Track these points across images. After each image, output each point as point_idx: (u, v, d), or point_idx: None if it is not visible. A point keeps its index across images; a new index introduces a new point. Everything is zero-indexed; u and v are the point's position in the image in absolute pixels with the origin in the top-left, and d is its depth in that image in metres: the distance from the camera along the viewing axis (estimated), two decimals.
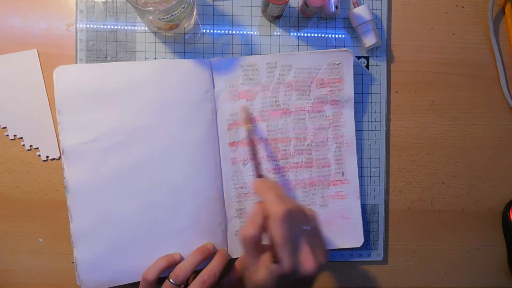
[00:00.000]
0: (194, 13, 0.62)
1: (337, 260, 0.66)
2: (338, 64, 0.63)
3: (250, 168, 0.63)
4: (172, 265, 0.59)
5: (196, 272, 0.59)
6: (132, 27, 0.62)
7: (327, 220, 0.64)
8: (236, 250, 0.63)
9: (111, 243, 0.60)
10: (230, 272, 0.62)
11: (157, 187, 0.60)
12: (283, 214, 0.47)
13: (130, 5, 0.52)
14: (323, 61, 0.62)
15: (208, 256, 0.60)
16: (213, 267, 0.58)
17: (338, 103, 0.63)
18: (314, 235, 0.51)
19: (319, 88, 0.63)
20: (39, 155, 0.62)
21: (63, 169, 0.59)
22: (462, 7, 0.67)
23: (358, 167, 0.65)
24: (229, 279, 0.62)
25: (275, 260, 0.47)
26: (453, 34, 0.67)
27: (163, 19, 0.54)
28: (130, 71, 0.60)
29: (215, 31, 0.63)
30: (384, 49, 0.66)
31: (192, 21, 0.62)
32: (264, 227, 0.49)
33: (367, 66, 0.65)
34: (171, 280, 0.57)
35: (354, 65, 0.63)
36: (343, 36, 0.65)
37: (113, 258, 0.60)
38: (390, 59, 0.66)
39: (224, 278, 0.62)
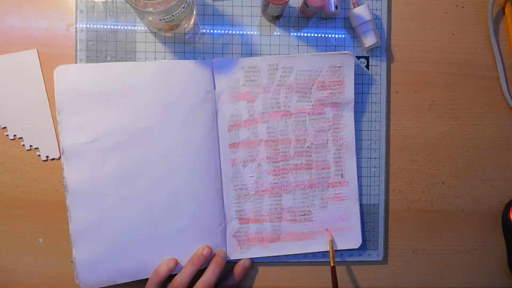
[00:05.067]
0: (194, 13, 0.62)
1: (336, 260, 0.66)
2: (339, 66, 0.62)
3: (250, 170, 0.63)
4: (169, 274, 0.60)
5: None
6: (132, 27, 0.62)
7: (326, 222, 0.64)
8: (235, 252, 0.63)
9: (110, 242, 0.60)
10: (229, 276, 0.62)
11: (156, 188, 0.60)
12: None
13: (130, 6, 0.51)
14: (324, 63, 0.62)
15: (203, 264, 0.60)
16: (208, 277, 0.59)
17: (339, 105, 0.63)
18: None
19: (320, 90, 0.63)
20: (39, 155, 0.62)
21: (63, 169, 0.59)
22: (462, 7, 0.67)
23: (358, 167, 0.65)
24: (229, 283, 0.62)
25: None
26: (453, 34, 0.67)
27: (163, 19, 0.54)
28: (130, 71, 0.60)
29: (215, 31, 0.63)
30: (384, 49, 0.66)
31: (192, 21, 0.62)
32: None
33: (367, 66, 0.65)
34: None
35: (354, 66, 0.63)
36: (343, 36, 0.65)
37: (112, 258, 0.60)
38: (390, 59, 0.66)
39: (224, 281, 0.62)
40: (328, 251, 0.65)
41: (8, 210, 0.62)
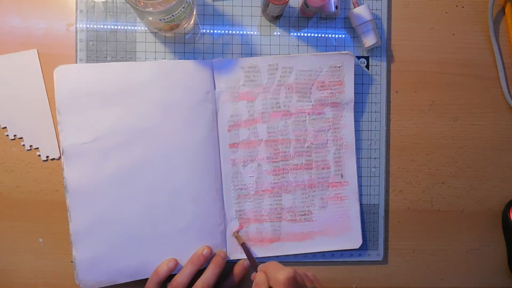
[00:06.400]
0: (194, 13, 0.62)
1: (337, 260, 0.66)
2: (339, 67, 0.63)
3: (250, 170, 0.63)
4: (169, 274, 0.60)
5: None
6: (132, 27, 0.62)
7: (326, 222, 0.64)
8: (235, 252, 0.63)
9: (110, 242, 0.60)
10: (229, 276, 0.62)
11: (156, 188, 0.60)
12: (289, 276, 0.49)
13: (130, 6, 0.51)
14: (324, 63, 0.63)
15: (203, 264, 0.60)
16: (207, 277, 0.59)
17: (338, 105, 0.63)
18: None
19: (320, 90, 0.63)
20: (39, 155, 0.62)
21: (63, 169, 0.59)
22: (462, 7, 0.67)
23: (358, 167, 0.65)
24: (229, 283, 0.62)
25: None
26: (453, 34, 0.67)
27: (163, 19, 0.54)
28: (131, 71, 0.60)
29: (215, 31, 0.63)
30: (384, 49, 0.66)
31: (192, 21, 0.62)
32: None
33: (367, 66, 0.65)
34: None
35: (354, 66, 0.63)
36: (343, 36, 0.65)
37: (112, 258, 0.60)
38: (390, 59, 0.66)
39: (223, 281, 0.62)
40: (328, 251, 0.65)
41: (8, 210, 0.62)
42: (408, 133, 0.67)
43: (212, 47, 0.63)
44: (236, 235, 0.63)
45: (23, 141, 0.62)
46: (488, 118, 0.68)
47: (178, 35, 0.63)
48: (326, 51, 0.65)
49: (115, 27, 0.62)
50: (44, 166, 0.62)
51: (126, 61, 0.62)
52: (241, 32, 0.64)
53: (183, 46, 0.63)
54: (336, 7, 0.62)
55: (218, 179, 0.62)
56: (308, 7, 0.60)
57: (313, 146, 0.64)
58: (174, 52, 0.63)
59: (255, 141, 0.63)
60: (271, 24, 0.64)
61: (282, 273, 0.49)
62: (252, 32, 0.64)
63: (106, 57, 0.62)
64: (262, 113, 0.63)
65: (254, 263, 0.60)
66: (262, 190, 0.63)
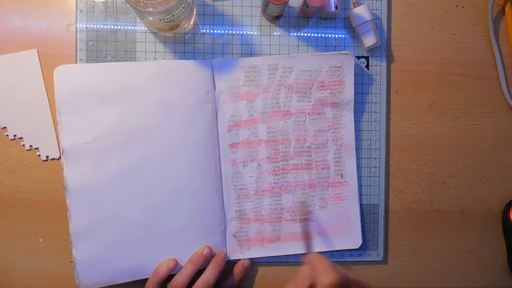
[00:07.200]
0: (194, 13, 0.62)
1: (337, 260, 0.66)
2: (339, 67, 0.63)
3: (250, 170, 0.63)
4: (168, 274, 0.60)
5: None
6: (132, 27, 0.62)
7: (326, 222, 0.64)
8: (235, 252, 0.63)
9: (110, 242, 0.60)
10: (229, 276, 0.62)
11: (156, 188, 0.60)
12: (333, 284, 0.46)
13: (130, 6, 0.51)
14: (324, 63, 0.63)
15: (203, 264, 0.60)
16: (207, 277, 0.59)
17: (338, 105, 0.63)
18: None
19: (320, 90, 0.63)
20: (39, 155, 0.62)
21: (63, 169, 0.59)
22: (462, 7, 0.67)
23: (358, 167, 0.65)
24: (228, 283, 0.62)
25: None
26: (453, 34, 0.67)
27: (163, 19, 0.54)
28: (131, 71, 0.60)
29: (215, 31, 0.63)
30: (384, 49, 0.66)
31: (192, 21, 0.62)
32: None
33: (367, 66, 0.65)
34: None
35: (354, 66, 0.63)
36: (343, 36, 0.65)
37: (112, 258, 0.60)
38: (390, 59, 0.66)
39: (223, 281, 0.62)
40: (328, 251, 0.65)
41: (8, 210, 0.62)
42: (408, 133, 0.67)
43: (212, 47, 0.63)
44: (303, 205, 0.62)
45: (23, 141, 0.62)
46: (488, 118, 0.68)
47: (178, 35, 0.63)
48: (326, 51, 0.65)
49: (115, 27, 0.62)
50: (44, 166, 0.62)
51: (126, 61, 0.62)
52: (241, 32, 0.64)
53: (183, 46, 0.63)
54: (336, 7, 0.62)
55: (218, 179, 0.62)
56: (308, 7, 0.60)
57: (313, 146, 0.64)
58: (174, 52, 0.63)
59: (255, 141, 0.63)
60: (271, 24, 0.64)
61: (327, 277, 0.47)
62: (252, 32, 0.64)
63: (106, 57, 0.62)
64: (262, 113, 0.63)
65: (307, 246, 0.59)
66: (262, 190, 0.63)
